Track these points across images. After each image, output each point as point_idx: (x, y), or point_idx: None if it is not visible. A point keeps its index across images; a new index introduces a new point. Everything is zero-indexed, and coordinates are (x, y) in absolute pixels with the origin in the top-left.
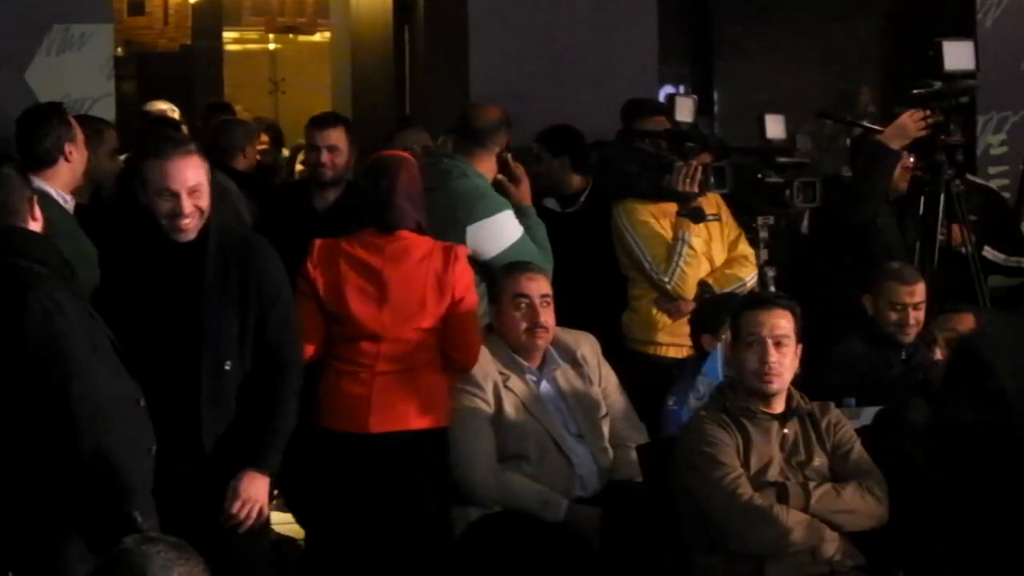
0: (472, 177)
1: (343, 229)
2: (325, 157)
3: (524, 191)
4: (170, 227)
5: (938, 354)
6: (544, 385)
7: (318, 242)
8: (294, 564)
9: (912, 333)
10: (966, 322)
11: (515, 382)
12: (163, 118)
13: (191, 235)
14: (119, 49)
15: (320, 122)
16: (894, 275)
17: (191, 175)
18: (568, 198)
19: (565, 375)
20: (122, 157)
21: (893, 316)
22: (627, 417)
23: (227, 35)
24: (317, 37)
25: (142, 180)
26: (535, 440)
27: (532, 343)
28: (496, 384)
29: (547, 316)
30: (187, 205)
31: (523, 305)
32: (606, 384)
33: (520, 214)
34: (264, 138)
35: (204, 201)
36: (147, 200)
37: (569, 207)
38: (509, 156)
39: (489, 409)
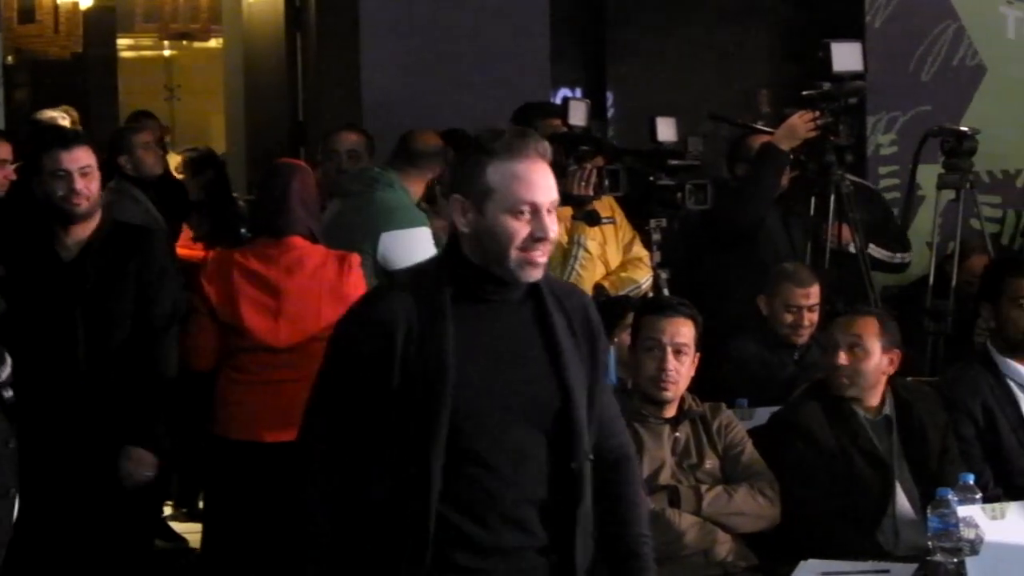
0: (397, 190)
1: None
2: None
3: (445, 226)
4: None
5: (842, 359)
6: None
7: (211, 254)
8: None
9: (805, 335)
10: (868, 326)
11: None
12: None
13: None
14: (9, 57)
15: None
16: (790, 277)
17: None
18: None
19: None
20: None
21: (788, 318)
22: None
23: (121, 42)
24: (212, 43)
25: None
26: None
27: None
28: None
29: None
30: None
31: None
32: None
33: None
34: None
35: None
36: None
37: None
38: (438, 188)
39: None
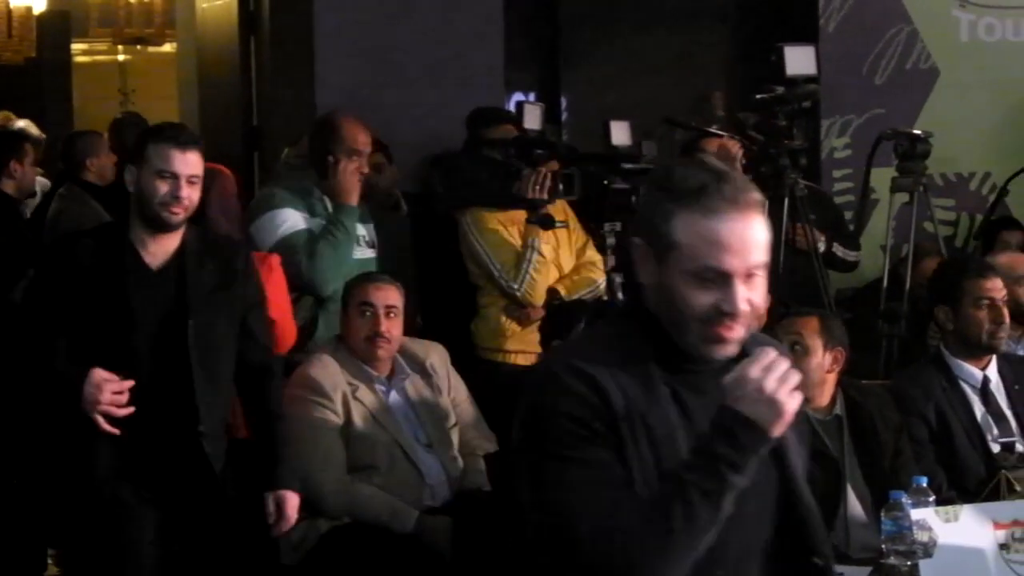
0: (281, 181)
1: None
2: None
3: (345, 188)
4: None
5: None
6: (393, 395)
7: None
8: None
9: (755, 327)
10: (808, 325)
11: (364, 392)
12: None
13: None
14: None
15: None
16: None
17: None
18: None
19: (414, 385)
20: None
21: None
22: (477, 426)
23: (75, 47)
24: (166, 48)
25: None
26: (384, 450)
27: (372, 352)
28: (345, 394)
29: (390, 327)
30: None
31: (367, 313)
32: (455, 394)
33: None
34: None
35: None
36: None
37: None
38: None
39: (338, 420)
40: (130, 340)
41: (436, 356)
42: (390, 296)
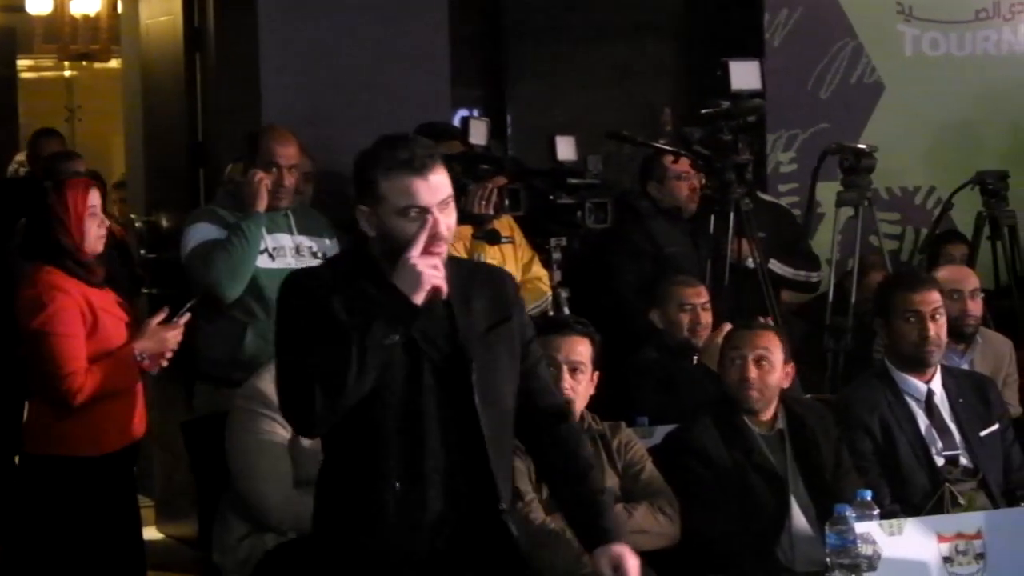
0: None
1: None
2: None
3: (250, 196)
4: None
5: (752, 372)
6: None
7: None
8: None
9: (703, 335)
10: (772, 340)
11: None
12: None
13: None
14: None
15: None
16: (676, 282)
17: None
18: None
19: None
20: None
21: (684, 318)
22: None
23: (21, 63)
24: (112, 64)
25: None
26: None
27: None
28: None
29: None
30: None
31: None
32: None
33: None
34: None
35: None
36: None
37: None
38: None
39: (286, 433)
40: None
41: None
42: None
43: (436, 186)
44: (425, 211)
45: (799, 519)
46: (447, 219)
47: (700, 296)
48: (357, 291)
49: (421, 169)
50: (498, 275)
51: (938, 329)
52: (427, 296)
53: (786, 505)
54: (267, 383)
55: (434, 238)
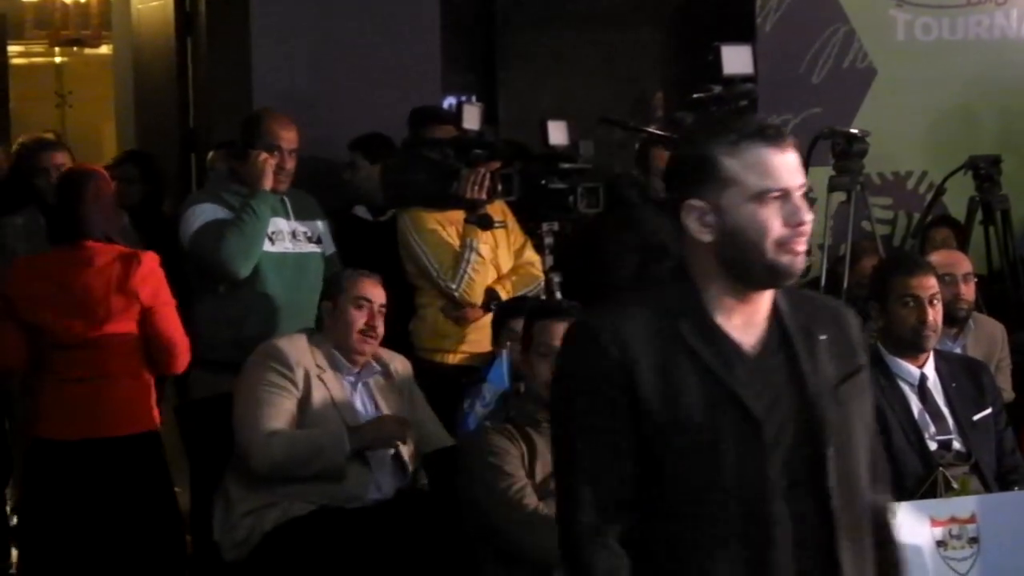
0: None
1: None
2: None
3: (255, 175)
4: None
5: None
6: (359, 387)
7: (18, 260)
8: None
9: None
10: None
11: (329, 377)
12: None
13: None
14: None
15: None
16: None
17: None
18: (380, 208)
19: (378, 383)
20: None
21: None
22: (438, 428)
23: (11, 49)
24: (103, 50)
25: None
26: None
27: (362, 346)
28: (308, 372)
29: (379, 325)
30: None
31: (364, 308)
32: (415, 400)
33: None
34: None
35: None
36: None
37: (380, 216)
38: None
39: (294, 391)
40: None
41: (399, 363)
42: (382, 295)
43: (795, 166)
44: (787, 195)
45: None
46: (808, 213)
47: None
48: (677, 348)
49: (777, 140)
50: (840, 310)
51: (936, 314)
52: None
53: None
54: (285, 343)
55: (798, 235)
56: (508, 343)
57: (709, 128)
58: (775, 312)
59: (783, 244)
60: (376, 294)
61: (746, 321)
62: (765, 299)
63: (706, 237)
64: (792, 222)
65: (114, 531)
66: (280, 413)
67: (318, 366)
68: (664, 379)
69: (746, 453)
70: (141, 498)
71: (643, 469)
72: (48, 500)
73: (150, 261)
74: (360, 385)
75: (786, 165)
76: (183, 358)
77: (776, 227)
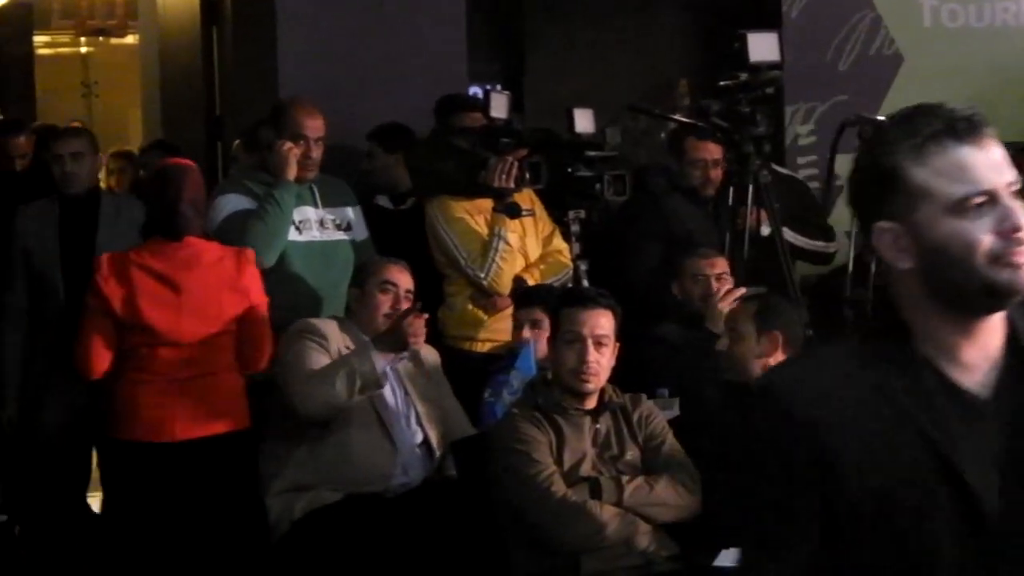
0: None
1: None
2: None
3: (279, 165)
4: None
5: (724, 343)
6: (388, 373)
7: (105, 256)
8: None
9: None
10: (746, 311)
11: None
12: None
13: None
14: None
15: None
16: (692, 253)
17: None
18: (400, 196)
19: (407, 369)
20: None
21: (697, 289)
22: (462, 418)
23: (38, 39)
24: (129, 39)
25: None
26: (361, 414)
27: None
28: (339, 349)
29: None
30: None
31: (390, 292)
32: (442, 389)
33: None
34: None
35: None
36: None
37: (401, 204)
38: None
39: (327, 359)
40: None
41: (427, 351)
42: (409, 281)
43: (998, 161)
44: (993, 198)
45: None
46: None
47: (714, 267)
48: (884, 405)
49: (972, 133)
50: None
51: None
52: None
53: None
54: (319, 323)
55: (1014, 243)
56: (534, 331)
57: (887, 132)
58: (1012, 341)
59: (998, 258)
60: (402, 279)
61: (974, 359)
62: (995, 327)
63: (905, 263)
64: (1004, 229)
65: (209, 533)
66: (317, 365)
67: (347, 347)
68: (865, 446)
69: (966, 549)
70: (235, 498)
71: (833, 556)
72: (147, 504)
73: (252, 257)
74: (389, 370)
75: (987, 162)
76: (269, 356)
77: (985, 239)
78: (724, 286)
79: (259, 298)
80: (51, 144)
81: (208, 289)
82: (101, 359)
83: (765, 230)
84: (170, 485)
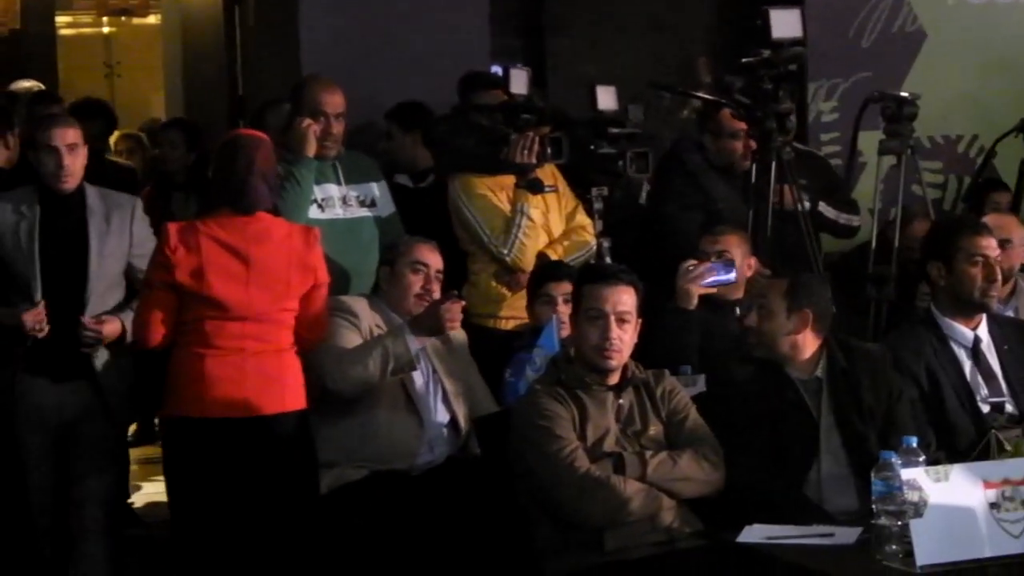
0: None
1: None
2: None
3: (298, 142)
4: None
5: (751, 320)
6: (416, 349)
7: (172, 226)
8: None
9: (740, 291)
10: (776, 288)
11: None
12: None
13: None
14: None
15: None
16: (707, 230)
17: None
18: (419, 174)
19: (435, 348)
20: None
21: None
22: (487, 395)
23: (59, 19)
24: (151, 19)
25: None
26: (390, 392)
27: (418, 309)
28: (370, 328)
29: (436, 289)
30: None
31: (420, 272)
32: (468, 365)
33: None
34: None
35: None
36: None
37: (420, 183)
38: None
39: (359, 337)
40: None
41: (456, 330)
42: (439, 261)
43: None
44: None
45: (828, 466)
46: None
47: (716, 244)
48: None
49: None
50: None
51: (999, 274)
52: None
53: (815, 448)
54: (350, 301)
55: None
56: (557, 309)
57: None
58: None
59: None
60: (433, 259)
61: None
62: None
63: None
64: None
65: (268, 511)
66: (350, 343)
67: (378, 326)
68: None
69: None
70: (295, 477)
71: None
72: (207, 482)
73: (319, 236)
74: (417, 347)
75: None
76: (323, 335)
77: None
78: (703, 265)
79: (324, 278)
80: (40, 134)
81: (278, 265)
82: (158, 329)
83: (788, 205)
84: (239, 461)
